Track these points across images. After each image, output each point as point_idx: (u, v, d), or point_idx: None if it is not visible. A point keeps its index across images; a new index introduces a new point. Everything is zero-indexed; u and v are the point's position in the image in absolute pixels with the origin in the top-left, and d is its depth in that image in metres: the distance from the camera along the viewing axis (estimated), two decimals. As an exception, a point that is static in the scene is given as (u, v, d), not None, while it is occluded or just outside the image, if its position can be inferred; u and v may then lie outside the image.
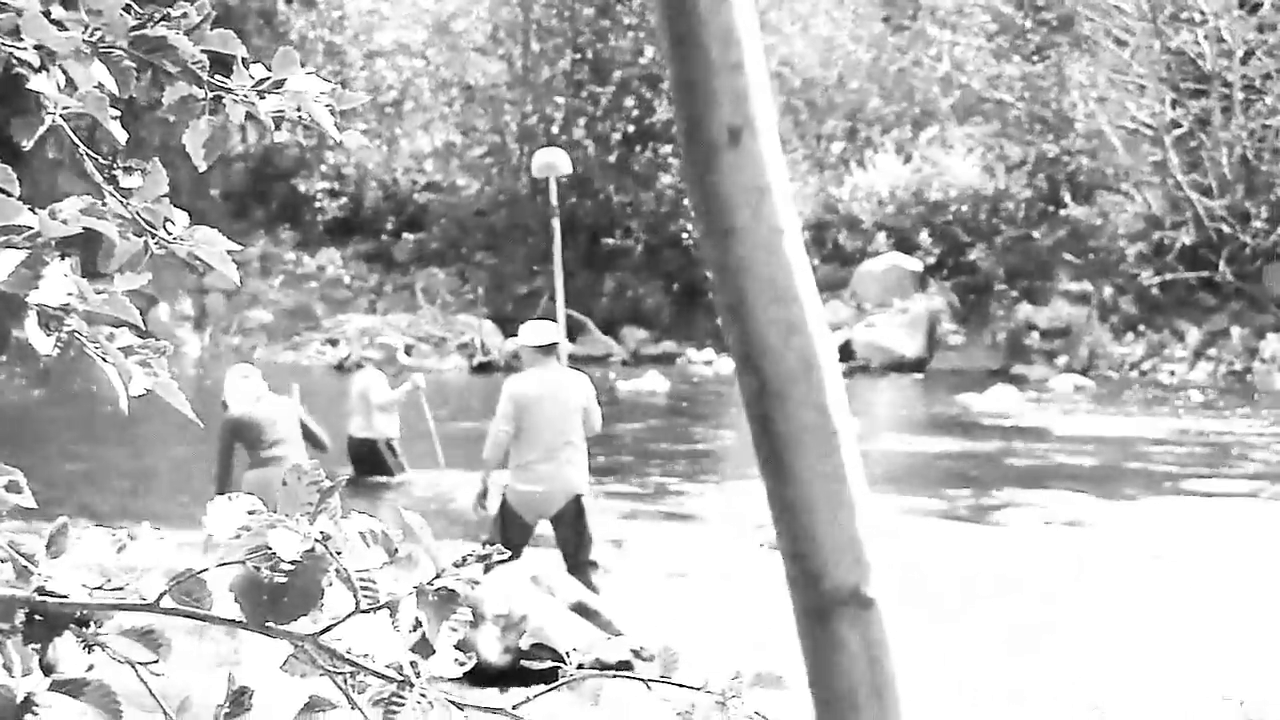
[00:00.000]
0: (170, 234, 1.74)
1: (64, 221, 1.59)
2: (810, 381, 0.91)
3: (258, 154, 35.46)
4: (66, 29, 1.65)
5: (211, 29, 1.74)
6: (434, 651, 1.48)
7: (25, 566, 1.55)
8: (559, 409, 8.68)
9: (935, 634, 8.19)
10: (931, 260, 33.92)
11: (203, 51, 1.73)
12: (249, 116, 1.79)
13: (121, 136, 1.74)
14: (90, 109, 1.69)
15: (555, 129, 35.32)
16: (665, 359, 32.42)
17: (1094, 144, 33.97)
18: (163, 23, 1.70)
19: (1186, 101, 32.44)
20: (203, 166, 1.83)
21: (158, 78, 1.74)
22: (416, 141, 38.72)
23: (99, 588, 1.56)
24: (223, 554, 1.47)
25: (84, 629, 1.55)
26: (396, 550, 1.49)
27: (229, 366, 10.91)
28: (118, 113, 1.72)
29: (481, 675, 7.03)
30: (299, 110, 1.81)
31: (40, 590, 1.54)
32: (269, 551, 1.45)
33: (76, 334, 1.55)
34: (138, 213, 1.73)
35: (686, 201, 31.66)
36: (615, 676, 1.70)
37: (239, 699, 1.60)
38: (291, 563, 1.44)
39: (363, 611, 1.47)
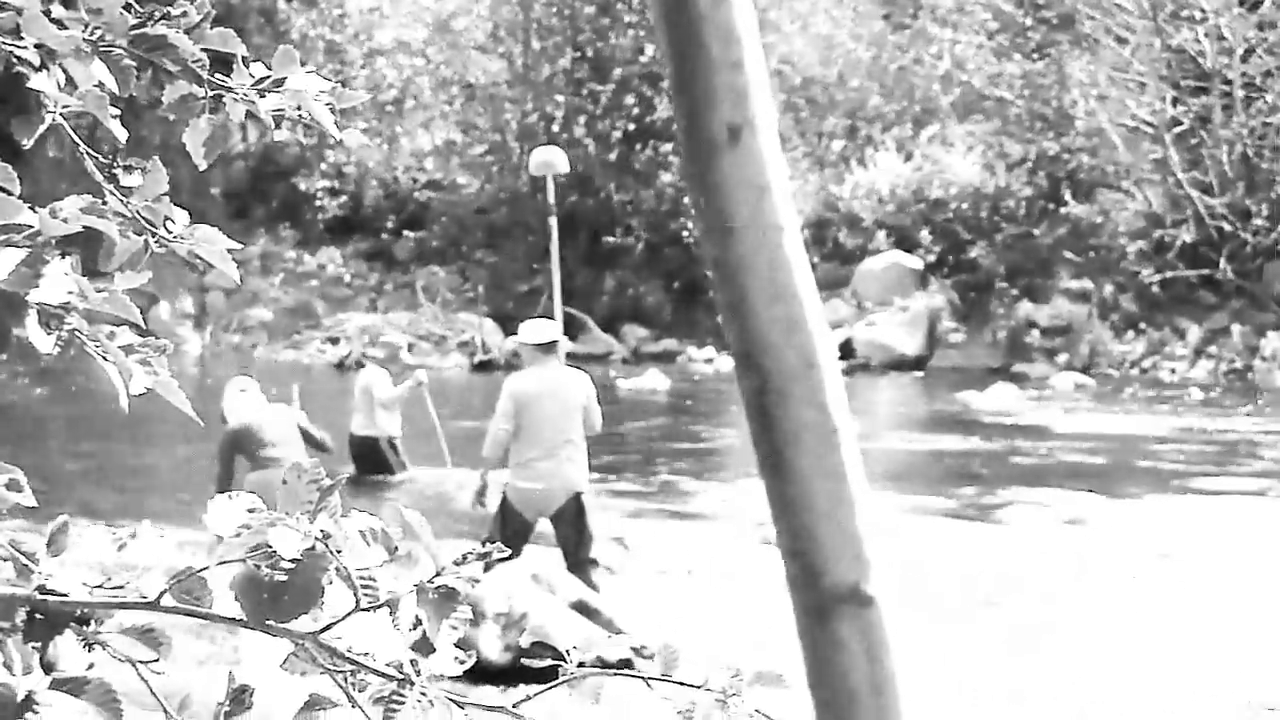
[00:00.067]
0: (170, 232, 1.74)
1: (64, 220, 1.59)
2: (810, 379, 0.92)
3: (258, 153, 35.45)
4: (66, 28, 1.65)
5: (211, 27, 1.74)
6: (434, 650, 1.48)
7: (26, 565, 1.55)
8: (559, 407, 8.68)
9: (935, 633, 8.19)
10: (932, 258, 33.92)
11: (203, 50, 1.73)
12: (249, 115, 1.79)
13: (122, 135, 1.74)
14: (90, 108, 1.69)
15: (556, 127, 35.32)
16: (666, 357, 32.43)
17: (1094, 142, 33.97)
18: (163, 21, 1.70)
19: (1187, 99, 32.43)
20: (203, 165, 1.83)
21: (158, 76, 1.74)
22: (417, 140, 38.73)
23: (99, 586, 1.56)
24: (223, 552, 1.47)
25: (84, 627, 1.56)
26: (397, 548, 1.49)
27: (229, 381, 10.91)
28: (118, 111, 1.72)
29: (482, 673, 7.03)
30: (299, 109, 1.81)
31: (41, 589, 1.54)
32: (269, 550, 1.45)
33: (77, 332, 1.55)
34: (138, 211, 1.73)
35: (687, 200, 31.64)
36: (616, 675, 1.70)
37: (239, 697, 1.60)
38: (292, 561, 1.44)
39: (363, 610, 1.47)
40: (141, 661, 1.57)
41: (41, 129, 1.69)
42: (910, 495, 13.91)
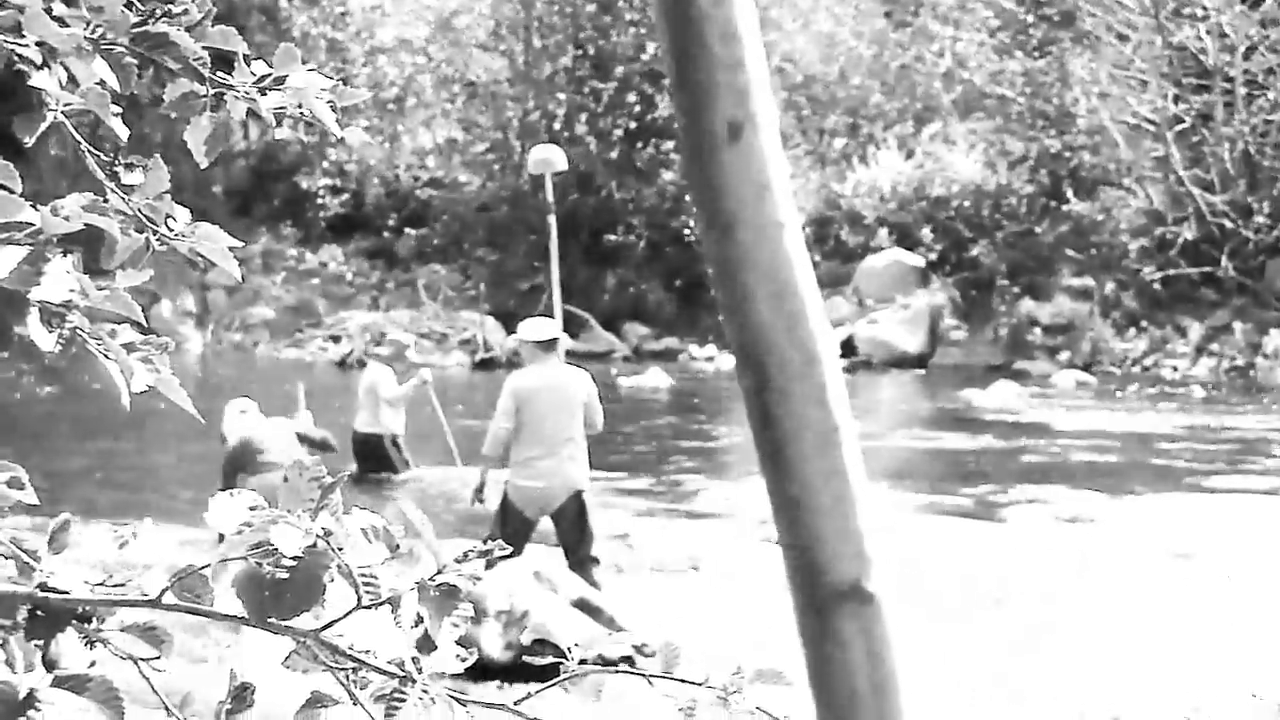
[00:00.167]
0: (172, 230, 1.75)
1: (66, 218, 1.59)
2: (812, 376, 0.92)
3: (259, 151, 35.45)
4: (68, 25, 1.65)
5: (213, 25, 1.74)
6: (436, 647, 1.48)
7: (28, 562, 1.56)
8: (560, 405, 8.68)
9: (935, 632, 8.19)
10: (933, 256, 33.93)
11: (204, 48, 1.73)
12: (251, 113, 1.79)
13: (123, 133, 1.74)
14: (92, 106, 1.69)
15: (557, 125, 35.34)
16: (667, 355, 32.44)
17: (1096, 139, 33.97)
18: (164, 19, 1.70)
19: (1189, 97, 32.42)
20: (204, 163, 1.83)
21: (159, 74, 1.74)
22: (418, 138, 38.73)
23: (101, 584, 1.56)
24: (225, 550, 1.48)
25: (86, 625, 1.56)
26: (398, 546, 1.49)
27: (228, 403, 10.92)
28: (119, 109, 1.72)
29: (483, 671, 7.03)
30: (300, 107, 1.81)
31: (42, 586, 1.54)
32: (271, 547, 1.45)
33: (79, 330, 1.55)
34: (140, 209, 1.73)
35: (688, 198, 31.64)
36: (617, 672, 1.70)
37: (241, 695, 1.60)
38: (293, 558, 1.45)
39: (365, 607, 1.47)
40: (143, 659, 1.57)
41: (43, 127, 1.69)
42: (911, 493, 13.91)
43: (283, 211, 37.46)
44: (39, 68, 1.64)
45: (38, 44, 1.63)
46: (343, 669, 1.51)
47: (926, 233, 34.14)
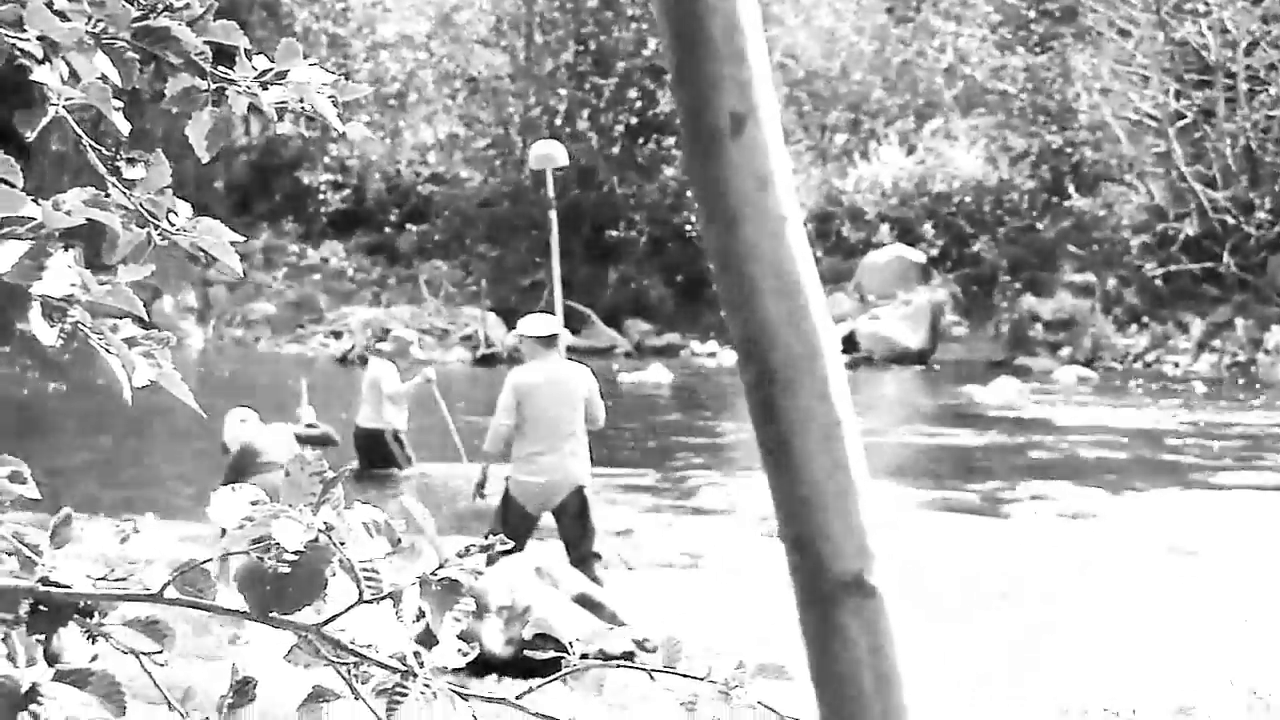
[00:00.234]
0: (173, 225, 1.74)
1: (67, 213, 1.59)
2: (815, 369, 0.91)
3: (261, 146, 35.47)
4: (69, 20, 1.65)
5: (214, 20, 1.74)
6: (437, 642, 1.48)
7: (30, 557, 1.56)
8: (561, 400, 8.68)
9: (935, 629, 8.18)
10: (935, 252, 33.91)
11: (205, 43, 1.73)
12: (252, 108, 1.79)
13: (125, 128, 1.74)
14: (93, 100, 1.69)
15: (558, 121, 35.32)
16: (669, 351, 32.44)
17: (1098, 135, 33.94)
18: (165, 14, 1.70)
19: (1190, 92, 32.40)
20: (205, 158, 1.83)
21: (161, 69, 1.74)
22: (420, 133, 38.72)
23: (103, 578, 1.56)
24: (226, 544, 1.48)
25: (88, 619, 1.56)
26: (400, 540, 1.49)
27: (228, 412, 10.93)
28: (121, 104, 1.72)
29: (485, 666, 7.04)
30: (302, 102, 1.81)
31: (44, 580, 1.54)
32: (273, 542, 1.45)
33: (80, 325, 1.55)
34: (141, 204, 1.73)
35: (689, 193, 31.65)
36: (619, 667, 1.70)
37: (243, 689, 1.60)
38: (295, 553, 1.45)
39: (366, 602, 1.47)
40: (145, 653, 1.57)
41: (44, 122, 1.69)
42: (912, 489, 13.91)
43: (284, 207, 37.46)
44: (40, 62, 1.64)
45: (39, 38, 1.63)
46: (344, 664, 1.51)
47: (928, 228, 34.12)
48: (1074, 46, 34.06)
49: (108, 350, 1.58)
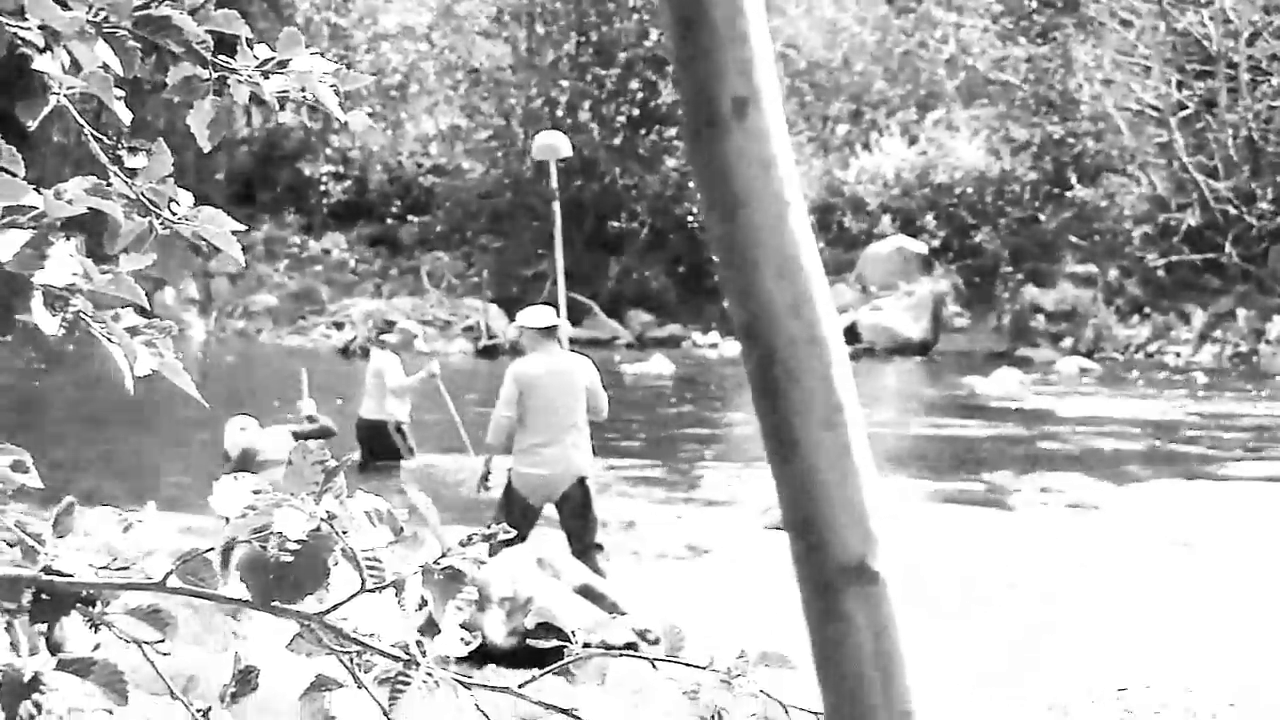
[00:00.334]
0: (175, 214, 1.74)
1: (69, 202, 1.59)
2: (817, 354, 0.91)
3: (262, 137, 35.47)
4: (71, 9, 1.65)
5: (215, 9, 1.74)
6: (440, 631, 1.48)
7: (32, 546, 1.56)
8: (563, 392, 8.67)
9: (936, 624, 8.18)
10: (937, 243, 33.90)
11: (207, 32, 1.73)
12: (254, 98, 1.79)
13: (126, 117, 1.74)
14: (95, 89, 1.69)
15: (560, 112, 35.30)
16: (670, 342, 32.45)
17: (1099, 126, 33.92)
18: (167, 3, 1.70)
19: (1192, 83, 32.38)
20: (207, 147, 1.83)
21: (162, 58, 1.74)
22: (421, 125, 38.72)
23: (105, 567, 1.56)
24: (229, 533, 1.48)
25: (90, 608, 1.56)
26: (402, 529, 1.49)
27: (228, 421, 10.95)
28: (122, 93, 1.72)
29: (486, 657, 7.04)
30: (304, 91, 1.80)
31: (47, 570, 1.54)
32: (275, 531, 1.45)
33: (82, 314, 1.55)
34: (142, 193, 1.73)
35: (691, 184, 31.60)
36: (621, 656, 1.70)
37: (245, 678, 1.60)
38: (297, 542, 1.44)
39: (369, 591, 1.47)
40: (147, 642, 1.57)
41: (46, 111, 1.69)
42: (914, 479, 13.91)
43: (286, 198, 37.46)
44: (42, 51, 1.63)
45: (41, 27, 1.63)
46: (347, 652, 1.51)
47: (930, 219, 34.11)
48: (1076, 37, 34.02)
49: (109, 339, 1.58)
